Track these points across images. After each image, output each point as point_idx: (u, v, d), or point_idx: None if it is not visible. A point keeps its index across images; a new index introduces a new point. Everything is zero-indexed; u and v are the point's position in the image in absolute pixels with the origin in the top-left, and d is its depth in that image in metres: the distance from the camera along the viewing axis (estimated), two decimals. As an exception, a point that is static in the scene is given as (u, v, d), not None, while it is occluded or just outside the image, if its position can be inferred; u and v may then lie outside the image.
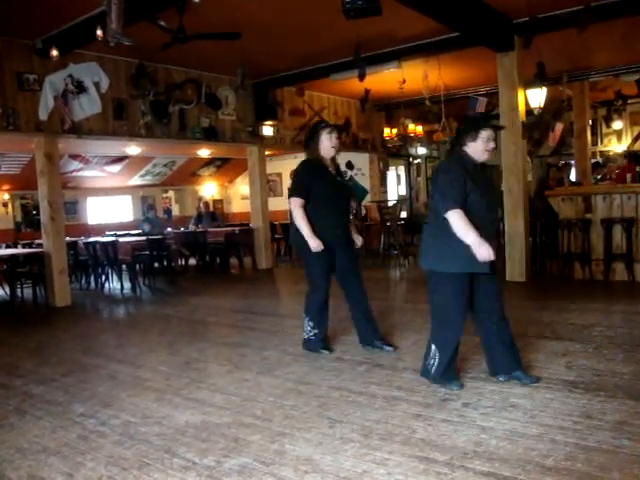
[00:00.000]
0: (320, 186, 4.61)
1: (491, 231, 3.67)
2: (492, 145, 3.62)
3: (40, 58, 7.53)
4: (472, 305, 3.72)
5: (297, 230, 4.61)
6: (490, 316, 3.72)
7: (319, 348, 4.80)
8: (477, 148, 3.59)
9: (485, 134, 3.58)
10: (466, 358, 4.36)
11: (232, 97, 10.24)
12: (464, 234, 3.42)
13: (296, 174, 4.80)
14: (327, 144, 4.61)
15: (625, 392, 3.47)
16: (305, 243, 4.55)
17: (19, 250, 9.12)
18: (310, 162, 4.74)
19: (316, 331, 4.79)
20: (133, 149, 11.77)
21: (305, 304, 4.84)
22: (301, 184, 4.64)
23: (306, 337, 4.85)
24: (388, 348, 4.75)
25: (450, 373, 3.77)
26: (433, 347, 3.75)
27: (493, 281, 3.70)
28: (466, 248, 3.43)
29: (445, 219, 3.47)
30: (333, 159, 4.73)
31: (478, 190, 3.53)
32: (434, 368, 3.75)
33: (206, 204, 13.88)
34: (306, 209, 4.58)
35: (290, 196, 4.65)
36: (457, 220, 3.42)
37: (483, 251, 3.39)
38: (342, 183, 4.90)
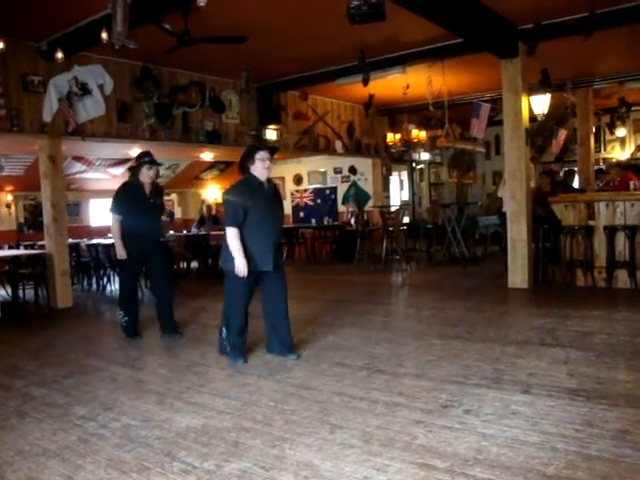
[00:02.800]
0: (136, 206, 5.65)
1: (274, 236, 4.65)
2: (268, 163, 4.59)
3: (45, 60, 7.55)
4: (263, 293, 4.76)
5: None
6: (275, 303, 4.73)
7: (132, 334, 5.81)
8: (257, 168, 4.56)
9: (259, 155, 4.55)
10: (467, 365, 4.35)
11: (236, 100, 10.26)
12: (232, 248, 4.46)
13: (117, 194, 5.75)
14: (146, 174, 5.69)
15: (627, 400, 3.45)
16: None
17: (21, 251, 9.13)
18: (130, 185, 5.80)
19: (126, 318, 5.79)
20: (136, 151, 11.70)
21: (118, 299, 5.92)
22: (120, 203, 5.68)
23: (121, 324, 5.86)
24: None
25: (239, 351, 4.74)
26: (224, 330, 4.73)
27: (278, 277, 4.72)
28: (251, 252, 4.49)
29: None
30: (151, 183, 5.79)
31: (261, 205, 4.52)
32: (229, 347, 4.71)
33: (209, 207, 13.90)
34: (127, 224, 5.62)
35: (110, 211, 5.69)
36: (230, 237, 4.46)
37: (239, 266, 4.42)
38: (154, 204, 5.84)
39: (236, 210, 4.46)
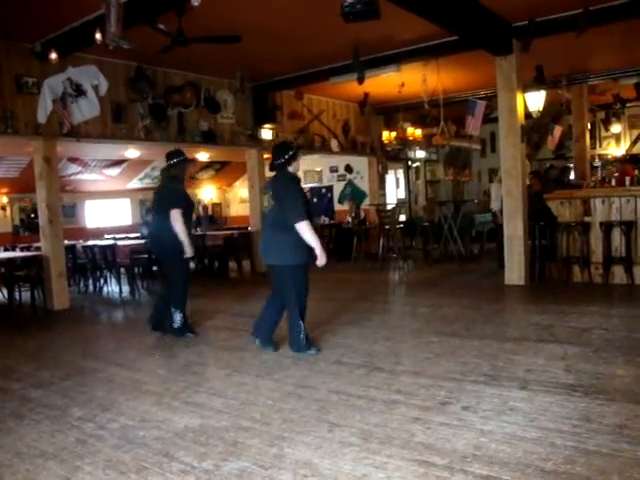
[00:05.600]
0: (189, 204, 5.78)
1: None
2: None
3: (39, 61, 7.52)
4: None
5: (171, 238, 5.48)
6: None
7: (187, 332, 5.73)
8: (297, 166, 4.86)
9: (299, 154, 4.89)
10: (465, 362, 4.36)
11: (231, 100, 10.25)
12: (311, 240, 4.56)
13: (180, 191, 5.73)
14: (188, 172, 5.96)
15: (624, 395, 3.47)
16: (179, 248, 5.50)
17: (17, 253, 9.09)
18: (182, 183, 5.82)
19: (185, 319, 5.75)
20: (132, 152, 11.75)
21: (173, 301, 5.68)
22: (183, 198, 5.67)
23: (176, 326, 5.70)
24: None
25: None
26: (301, 324, 4.77)
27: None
28: (304, 244, 4.55)
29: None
30: None
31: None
32: (306, 338, 4.80)
33: (205, 207, 13.89)
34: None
35: (173, 208, 5.47)
36: (307, 229, 4.55)
37: (323, 256, 4.60)
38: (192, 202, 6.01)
39: (302, 203, 4.62)
